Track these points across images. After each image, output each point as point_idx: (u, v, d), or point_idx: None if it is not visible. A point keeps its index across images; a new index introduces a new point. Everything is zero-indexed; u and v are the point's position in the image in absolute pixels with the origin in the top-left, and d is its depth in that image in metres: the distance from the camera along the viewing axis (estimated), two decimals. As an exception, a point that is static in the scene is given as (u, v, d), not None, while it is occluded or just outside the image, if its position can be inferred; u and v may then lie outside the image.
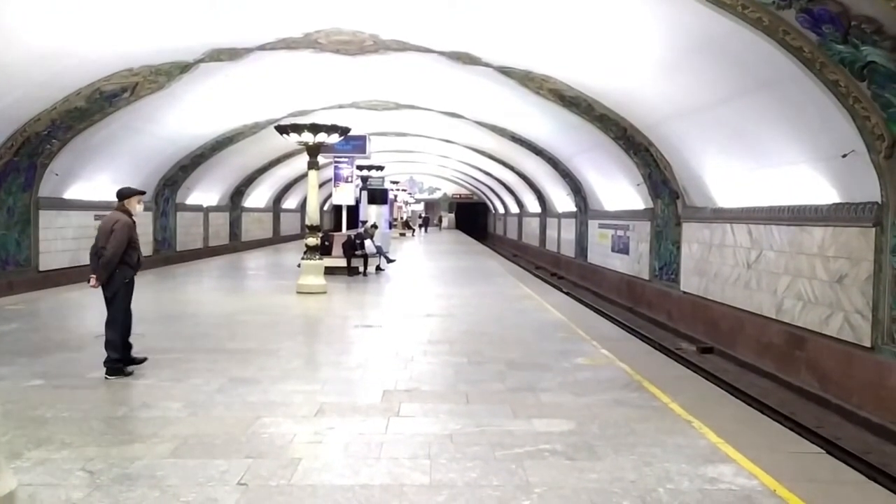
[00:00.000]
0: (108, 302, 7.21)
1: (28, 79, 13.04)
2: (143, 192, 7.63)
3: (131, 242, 7.18)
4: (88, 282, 7.21)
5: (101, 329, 8.55)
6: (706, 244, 14.54)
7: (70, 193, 18.13)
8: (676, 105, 12.91)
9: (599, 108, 15.54)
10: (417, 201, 62.17)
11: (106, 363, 7.14)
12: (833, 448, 8.02)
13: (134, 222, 7.36)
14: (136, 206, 7.39)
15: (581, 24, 11.38)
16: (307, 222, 15.57)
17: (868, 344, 9.29)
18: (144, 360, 7.51)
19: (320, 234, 15.69)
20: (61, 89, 14.26)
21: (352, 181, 22.70)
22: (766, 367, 11.80)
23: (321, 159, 16.15)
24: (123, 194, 7.42)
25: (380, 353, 8.73)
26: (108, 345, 7.17)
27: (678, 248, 16.06)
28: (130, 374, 7.21)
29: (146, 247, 22.75)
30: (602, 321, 12.77)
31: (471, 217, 64.71)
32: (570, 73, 14.25)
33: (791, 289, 11.20)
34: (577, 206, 25.62)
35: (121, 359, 7.25)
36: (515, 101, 17.58)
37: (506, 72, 15.11)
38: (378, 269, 19.53)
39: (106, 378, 7.08)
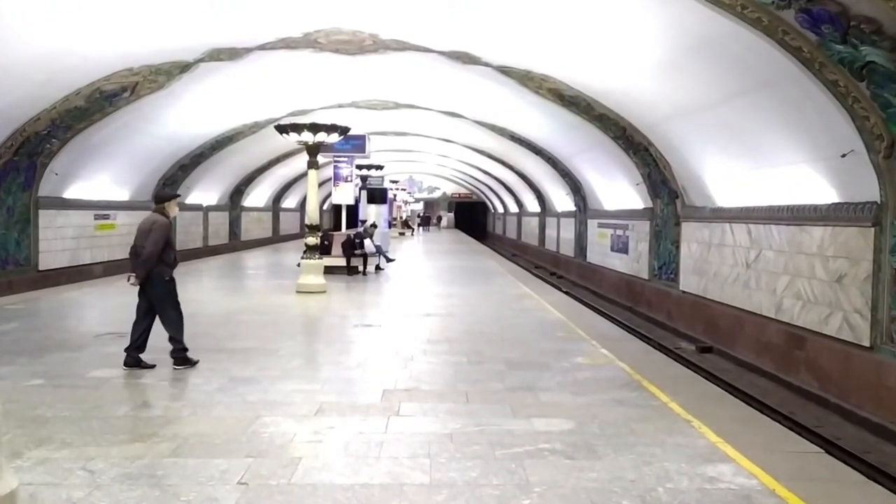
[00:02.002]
0: (157, 300, 7.55)
1: (28, 78, 13.05)
2: (178, 195, 8.06)
3: (168, 242, 7.51)
4: (128, 280, 7.55)
5: (101, 329, 8.54)
6: (705, 244, 14.55)
7: (70, 193, 18.14)
8: (676, 105, 12.92)
9: (599, 108, 15.55)
10: (417, 200, 62.20)
11: (173, 354, 7.59)
12: (832, 448, 8.03)
13: (170, 223, 7.71)
14: (174, 209, 7.76)
15: (580, 23, 11.39)
16: (307, 222, 15.58)
17: (867, 343, 9.31)
18: (152, 366, 7.58)
19: (320, 234, 15.70)
20: (61, 89, 14.27)
21: (351, 180, 22.71)
22: (765, 367, 11.81)
23: (321, 158, 16.15)
24: (162, 197, 7.80)
25: (379, 352, 8.74)
26: (172, 340, 7.60)
27: (677, 248, 16.07)
28: (196, 362, 7.64)
29: (146, 246, 22.83)
30: (601, 320, 12.78)
31: (470, 216, 64.74)
32: (569, 72, 14.26)
33: (790, 288, 11.22)
34: (576, 205, 25.63)
35: (185, 348, 7.66)
36: (515, 101, 17.59)
37: (505, 71, 15.12)
38: (377, 268, 19.54)
39: (175, 369, 7.50)
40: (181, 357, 7.61)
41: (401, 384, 7.08)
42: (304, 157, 16.38)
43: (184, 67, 14.97)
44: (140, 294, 7.60)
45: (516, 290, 15.93)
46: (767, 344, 11.90)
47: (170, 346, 7.63)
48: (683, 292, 15.69)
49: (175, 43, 13.64)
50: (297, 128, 14.58)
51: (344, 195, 22.41)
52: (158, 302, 7.54)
